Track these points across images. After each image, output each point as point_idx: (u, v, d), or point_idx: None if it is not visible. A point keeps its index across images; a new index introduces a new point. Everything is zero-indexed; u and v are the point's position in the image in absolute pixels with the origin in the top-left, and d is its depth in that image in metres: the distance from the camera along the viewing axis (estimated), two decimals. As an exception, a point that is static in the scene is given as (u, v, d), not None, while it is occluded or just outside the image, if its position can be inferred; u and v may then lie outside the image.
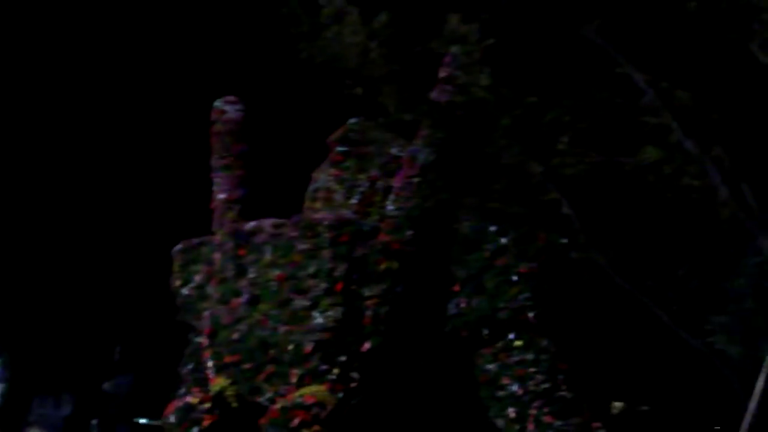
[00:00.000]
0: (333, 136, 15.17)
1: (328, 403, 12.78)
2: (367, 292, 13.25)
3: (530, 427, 12.86)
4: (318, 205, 14.79)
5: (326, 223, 13.60)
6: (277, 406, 12.86)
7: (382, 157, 14.85)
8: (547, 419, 12.80)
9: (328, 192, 14.76)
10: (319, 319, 13.09)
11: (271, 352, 13.37)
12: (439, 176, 13.42)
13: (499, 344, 13.40)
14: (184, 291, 15.85)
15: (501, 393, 13.23)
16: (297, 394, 12.99)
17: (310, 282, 13.34)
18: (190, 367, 15.84)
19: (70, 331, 26.12)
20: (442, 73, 13.46)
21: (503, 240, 13.39)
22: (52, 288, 26.09)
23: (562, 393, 12.97)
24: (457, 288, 13.59)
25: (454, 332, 13.60)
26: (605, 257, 11.64)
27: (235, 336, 13.74)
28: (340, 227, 13.55)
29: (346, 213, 13.92)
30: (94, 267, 26.67)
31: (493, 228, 13.47)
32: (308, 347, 13.07)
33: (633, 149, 10.72)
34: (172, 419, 13.64)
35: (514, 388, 13.09)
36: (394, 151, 14.87)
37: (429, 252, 13.55)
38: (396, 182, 13.82)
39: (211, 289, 14.64)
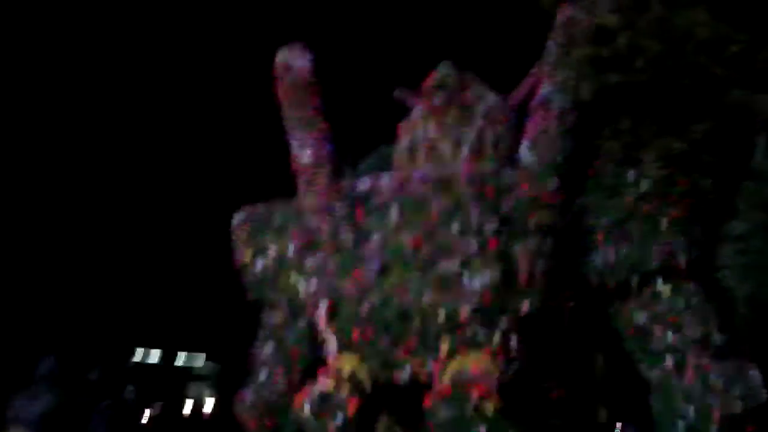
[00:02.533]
0: (427, 83, 13.89)
1: (494, 372, 11.73)
2: (517, 249, 12.25)
3: (689, 375, 12.39)
4: (419, 160, 13.54)
5: (464, 176, 12.46)
6: (446, 381, 11.63)
7: (484, 106, 13.78)
8: (705, 366, 12.39)
9: (431, 145, 13.51)
10: (474, 281, 11.95)
11: (415, 322, 12.07)
12: (580, 121, 12.58)
13: (647, 293, 12.82)
14: (258, 264, 14.16)
15: (654, 344, 12.67)
16: (456, 365, 11.84)
17: (457, 242, 12.17)
18: (270, 348, 14.28)
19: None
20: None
21: (644, 185, 12.76)
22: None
23: (716, 337, 12.60)
24: (601, 237, 12.83)
25: (600, 285, 12.87)
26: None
27: (366, 309, 12.33)
28: (482, 181, 12.46)
29: (481, 165, 12.79)
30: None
31: (631, 173, 12.81)
32: (465, 314, 11.90)
33: None
34: (306, 411, 12.07)
35: (670, 337, 12.55)
36: (492, 99, 13.89)
37: (568, 202, 12.72)
38: (529, 130, 12.85)
39: (314, 260, 13.10)
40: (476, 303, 11.91)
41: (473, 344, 12.02)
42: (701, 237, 12.76)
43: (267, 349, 14.28)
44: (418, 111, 14.08)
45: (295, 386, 13.79)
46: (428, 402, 11.74)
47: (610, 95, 11.57)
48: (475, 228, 12.15)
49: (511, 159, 13.14)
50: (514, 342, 12.15)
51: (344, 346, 12.62)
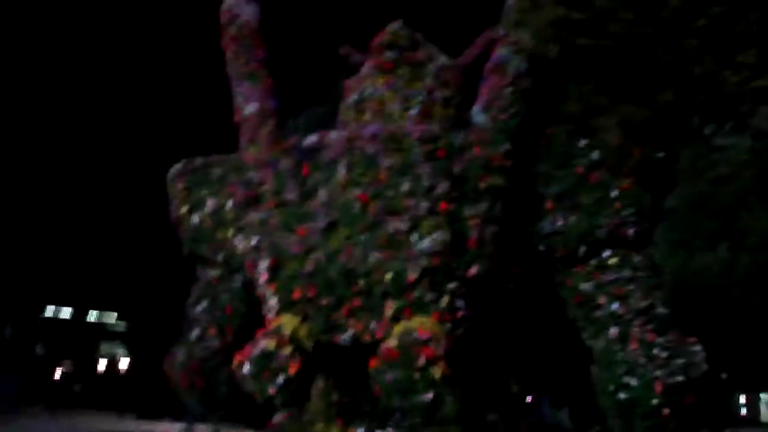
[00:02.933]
0: (377, 41, 13.46)
1: (441, 336, 11.46)
2: (467, 212, 12.00)
3: (632, 346, 12.32)
4: (366, 117, 13.13)
5: (416, 135, 12.13)
6: (392, 344, 11.30)
7: (434, 66, 13.44)
8: (649, 337, 12.33)
9: (380, 103, 13.11)
10: (423, 242, 11.65)
11: (360, 282, 11.72)
12: (535, 85, 12.36)
13: (593, 262, 12.70)
14: (195, 219, 13.62)
15: (598, 313, 12.57)
16: (402, 328, 11.53)
17: (406, 202, 11.85)
18: (204, 305, 13.75)
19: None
20: None
21: (595, 155, 12.61)
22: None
23: (660, 309, 12.56)
24: (550, 205, 12.66)
25: (547, 252, 12.70)
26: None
27: (310, 267, 11.93)
28: (433, 140, 12.14)
29: (431, 125, 12.46)
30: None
31: (582, 142, 12.65)
32: (412, 275, 11.60)
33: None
34: (246, 370, 11.62)
35: (614, 306, 12.46)
36: (442, 60, 13.56)
37: (518, 167, 12.50)
38: (483, 92, 12.57)
39: (255, 216, 12.64)
40: (424, 265, 11.58)
41: (420, 307, 11.72)
42: (650, 209, 12.64)
43: (200, 306, 13.72)
44: (366, 68, 13.64)
45: (229, 345, 13.33)
46: (373, 364, 11.39)
47: (575, 58, 11.29)
48: (425, 188, 11.85)
49: (461, 120, 12.81)
50: (461, 305, 11.87)
51: (286, 305, 12.19)
